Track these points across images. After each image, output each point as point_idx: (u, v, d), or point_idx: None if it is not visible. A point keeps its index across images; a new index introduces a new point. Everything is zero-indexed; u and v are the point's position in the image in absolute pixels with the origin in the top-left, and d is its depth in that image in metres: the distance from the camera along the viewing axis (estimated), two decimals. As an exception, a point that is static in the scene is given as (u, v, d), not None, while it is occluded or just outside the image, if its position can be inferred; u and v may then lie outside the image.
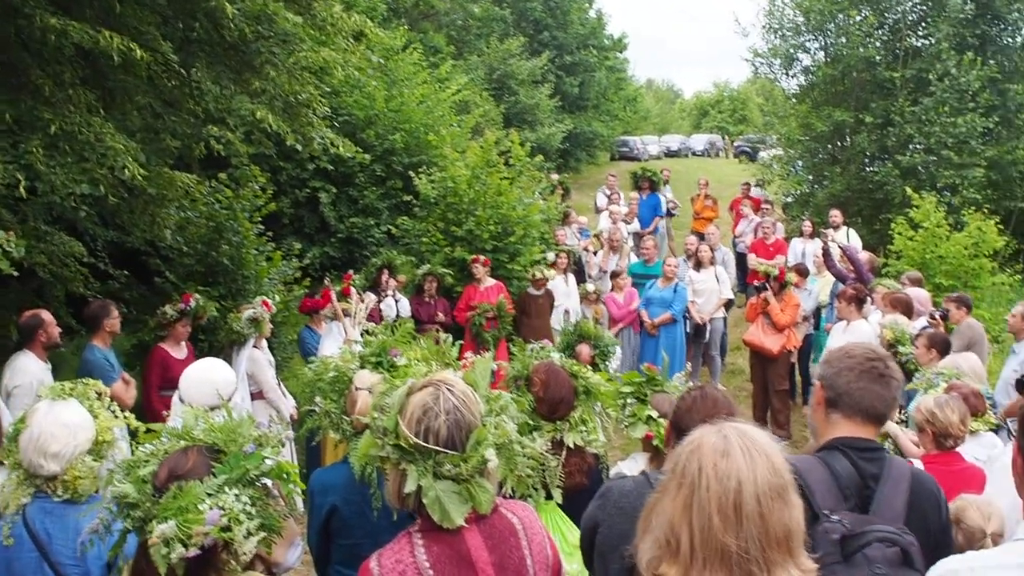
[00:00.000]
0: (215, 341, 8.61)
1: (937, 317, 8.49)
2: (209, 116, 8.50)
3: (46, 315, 6.78)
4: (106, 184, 6.94)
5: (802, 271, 11.19)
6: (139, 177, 6.64)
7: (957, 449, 4.90)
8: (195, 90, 7.75)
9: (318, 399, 3.97)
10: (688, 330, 11.72)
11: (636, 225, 16.14)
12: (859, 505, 2.75)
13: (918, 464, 4.84)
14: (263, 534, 2.56)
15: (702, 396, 3.26)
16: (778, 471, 2.00)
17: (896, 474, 2.83)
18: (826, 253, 10.66)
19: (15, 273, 5.77)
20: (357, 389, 3.75)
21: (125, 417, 3.57)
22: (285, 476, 2.68)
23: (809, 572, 1.98)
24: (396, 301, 10.58)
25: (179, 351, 7.83)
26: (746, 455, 1.99)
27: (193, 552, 2.40)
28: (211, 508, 2.45)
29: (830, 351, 3.04)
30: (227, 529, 2.47)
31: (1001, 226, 14.90)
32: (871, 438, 2.90)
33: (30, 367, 6.45)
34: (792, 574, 1.94)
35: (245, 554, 2.52)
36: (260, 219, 10.36)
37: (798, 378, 11.50)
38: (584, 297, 12.17)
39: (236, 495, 2.51)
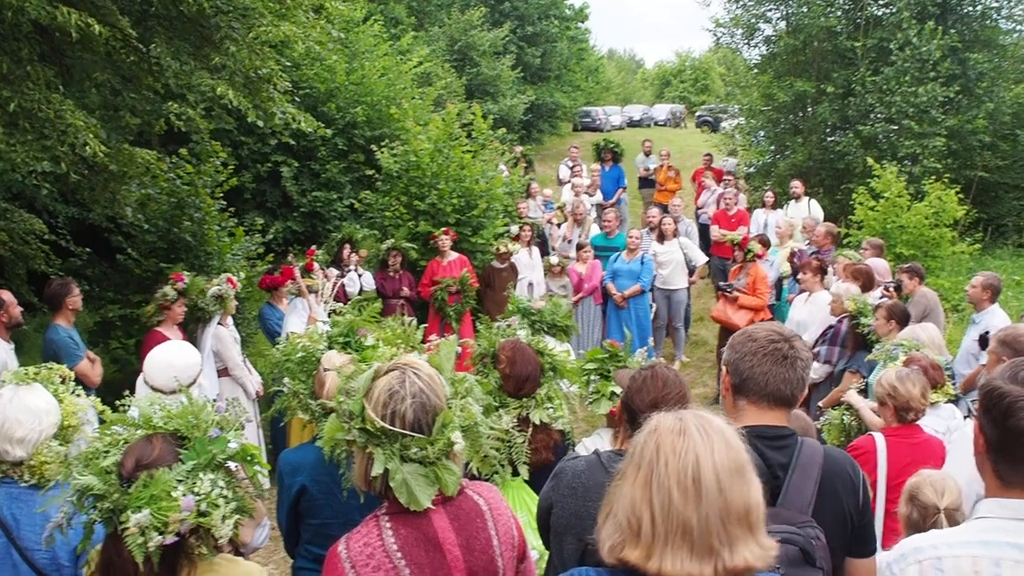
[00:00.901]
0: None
1: (891, 289, 8.62)
2: (169, 92, 8.42)
3: (6, 295, 6.71)
4: (67, 161, 6.86)
5: (764, 242, 11.28)
6: (100, 154, 6.58)
7: (918, 422, 4.99)
8: (154, 66, 7.65)
9: (286, 380, 3.98)
10: (651, 302, 11.79)
11: (599, 197, 16.16)
12: (767, 497, 2.73)
13: (879, 436, 4.94)
14: (237, 516, 2.60)
15: (652, 376, 3.25)
16: (735, 449, 2.04)
17: (805, 462, 2.79)
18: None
19: (-27, 253, 5.70)
20: (325, 370, 3.76)
21: (90, 398, 3.56)
22: (250, 458, 2.70)
23: (769, 550, 2.00)
24: (359, 276, 10.56)
25: (175, 333, 7.62)
26: (702, 434, 2.02)
27: (170, 539, 2.43)
28: (184, 494, 2.47)
29: (734, 336, 2.95)
30: (204, 514, 2.49)
31: (961, 195, 15.08)
32: (780, 424, 2.84)
33: (-6, 347, 6.40)
34: (753, 551, 1.96)
35: (222, 537, 2.55)
36: (222, 194, 10.28)
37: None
38: (548, 269, 12.21)
39: (212, 480, 2.54)
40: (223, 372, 8.02)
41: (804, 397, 8.11)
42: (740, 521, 1.96)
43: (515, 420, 4.29)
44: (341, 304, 6.49)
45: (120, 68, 7.55)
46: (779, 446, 2.80)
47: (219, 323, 8.03)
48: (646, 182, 18.64)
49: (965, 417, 5.68)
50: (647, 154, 18.98)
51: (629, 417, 3.18)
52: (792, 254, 11.34)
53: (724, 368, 2.93)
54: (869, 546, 2.88)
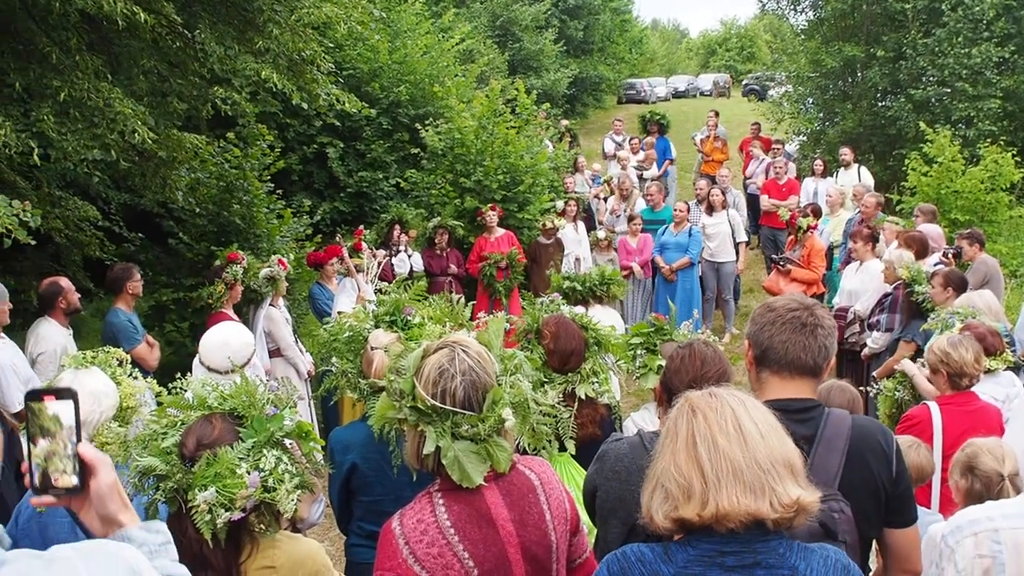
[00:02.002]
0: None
1: (950, 255, 8.46)
2: (215, 77, 8.49)
3: (64, 282, 6.84)
4: (117, 149, 6.98)
5: (816, 211, 11.12)
6: (148, 140, 6.67)
7: (972, 389, 4.91)
8: (199, 51, 7.73)
9: (334, 359, 4.01)
10: (700, 274, 11.72)
11: (654, 170, 15.98)
12: None
13: (933, 406, 4.87)
14: (299, 492, 2.65)
15: (690, 355, 3.21)
16: (768, 413, 2.10)
17: (831, 433, 2.75)
18: None
19: (32, 241, 5.82)
20: (372, 349, 3.78)
21: (147, 380, 3.63)
22: (305, 435, 2.74)
23: (816, 495, 2.02)
24: (408, 256, 10.61)
25: (233, 315, 7.69)
26: (734, 398, 2.10)
27: (238, 515, 2.49)
28: (248, 471, 2.52)
29: (755, 309, 2.93)
30: (269, 490, 2.56)
31: (1018, 158, 14.71)
32: (805, 395, 2.80)
33: (53, 334, 6.54)
34: (803, 494, 1.99)
35: (287, 511, 2.61)
36: (269, 177, 10.38)
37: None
38: (595, 243, 12.18)
39: (276, 456, 2.60)
40: (275, 353, 8.12)
41: (857, 366, 8.01)
42: (785, 466, 2.00)
43: (560, 395, 4.29)
44: (386, 283, 6.51)
45: (166, 55, 7.64)
46: (803, 419, 2.75)
47: (271, 304, 8.12)
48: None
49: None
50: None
51: (668, 397, 3.16)
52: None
53: (747, 342, 2.91)
54: (907, 515, 2.80)
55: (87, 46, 6.75)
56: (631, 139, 17.60)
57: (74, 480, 1.79)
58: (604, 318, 6.41)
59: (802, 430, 2.69)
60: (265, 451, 2.58)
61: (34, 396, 1.78)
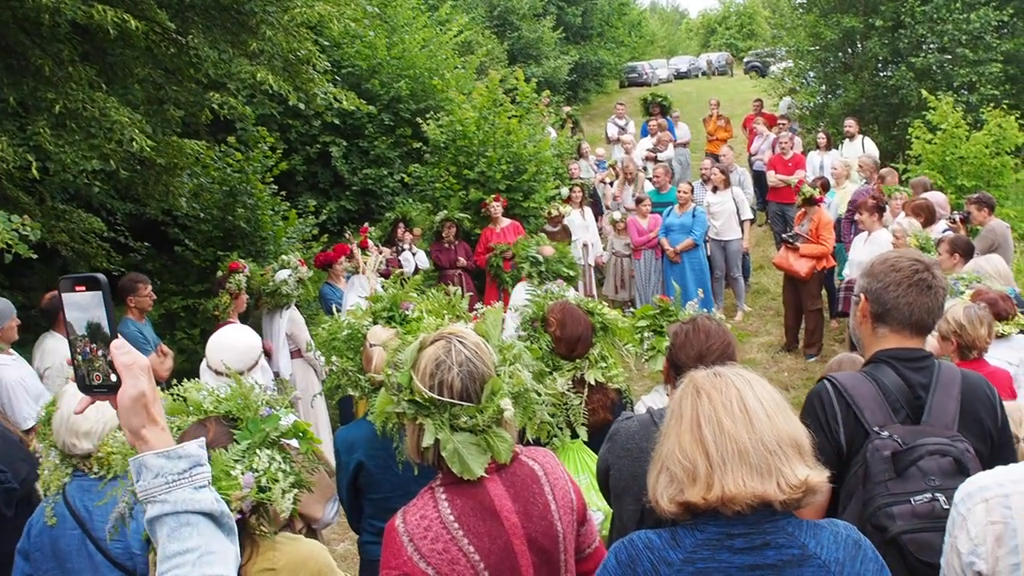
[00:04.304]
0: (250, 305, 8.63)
1: (957, 220, 8.40)
2: (211, 82, 8.48)
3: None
4: (116, 158, 6.98)
5: (824, 185, 11.05)
6: (147, 148, 6.67)
7: (984, 355, 4.88)
8: (194, 57, 7.72)
9: (335, 358, 4.00)
10: (708, 254, 11.69)
11: (670, 151, 15.89)
12: (911, 416, 2.74)
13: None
14: (296, 491, 2.64)
15: (694, 329, 3.23)
16: (774, 392, 2.08)
17: (946, 380, 2.80)
18: None
19: (34, 255, 5.81)
20: (371, 346, 3.77)
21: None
22: (302, 434, 2.73)
23: (824, 475, 2.01)
24: (413, 254, 10.58)
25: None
26: (739, 378, 2.08)
27: (235, 517, 2.47)
28: (243, 473, 2.51)
29: (874, 263, 2.95)
30: (264, 490, 2.54)
31: (1022, 121, 14.60)
32: (919, 347, 2.86)
33: (59, 348, 6.51)
34: (811, 474, 1.97)
35: (283, 512, 2.60)
36: (273, 179, 10.39)
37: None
38: (613, 226, 12.21)
39: (269, 456, 2.58)
40: (296, 354, 8.14)
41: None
42: (792, 446, 1.98)
43: (570, 382, 4.27)
44: (384, 279, 6.53)
45: (161, 62, 7.63)
46: (919, 367, 2.82)
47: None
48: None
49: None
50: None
51: (676, 373, 3.15)
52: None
53: (863, 296, 2.93)
54: (1011, 460, 2.82)
55: (80, 57, 6.75)
56: (649, 121, 17.52)
57: (112, 378, 1.77)
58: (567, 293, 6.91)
59: (919, 378, 2.80)
60: (258, 451, 2.57)
61: (68, 287, 1.78)
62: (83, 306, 1.77)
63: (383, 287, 4.41)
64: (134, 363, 1.76)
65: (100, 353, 1.78)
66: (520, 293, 8.11)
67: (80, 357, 1.80)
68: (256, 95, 9.76)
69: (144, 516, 1.74)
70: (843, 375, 2.89)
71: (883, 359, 2.84)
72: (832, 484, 2.75)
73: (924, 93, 15.21)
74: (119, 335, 1.80)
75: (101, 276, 1.77)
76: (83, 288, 1.77)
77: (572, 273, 7.96)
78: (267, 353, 7.57)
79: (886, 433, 2.63)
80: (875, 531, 2.53)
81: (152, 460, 1.73)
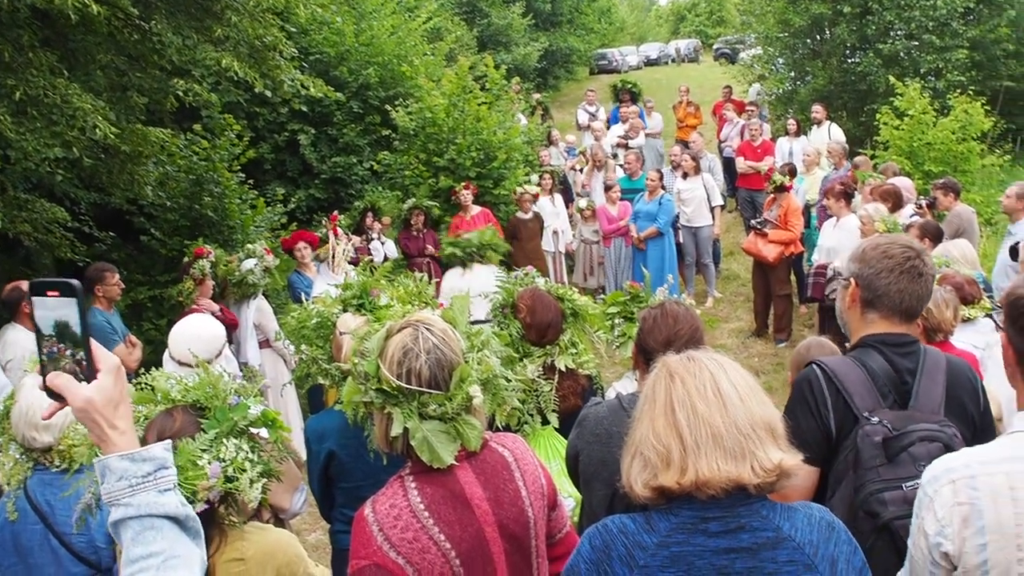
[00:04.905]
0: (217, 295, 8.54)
1: (924, 206, 8.46)
2: (175, 68, 8.36)
3: (26, 285, 6.74)
4: (79, 146, 6.86)
5: (792, 171, 11.11)
6: (111, 136, 6.55)
7: (951, 339, 4.91)
8: (157, 43, 7.60)
9: (304, 346, 3.96)
10: (679, 240, 11.71)
11: (641, 138, 15.87)
12: (898, 401, 2.76)
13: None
14: (264, 480, 2.60)
15: (662, 314, 3.23)
16: (747, 376, 2.08)
17: (931, 365, 2.82)
18: None
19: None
20: (341, 334, 3.73)
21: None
22: (271, 423, 2.70)
23: (799, 458, 2.01)
24: (382, 244, 10.51)
25: (211, 306, 7.56)
26: (712, 362, 2.08)
27: (201, 507, 2.44)
28: (210, 462, 2.47)
29: (865, 248, 2.96)
30: (231, 480, 2.50)
31: (988, 107, 14.74)
32: (906, 332, 2.88)
33: (20, 339, 6.41)
34: (784, 457, 1.97)
35: (251, 501, 2.56)
36: (240, 167, 10.28)
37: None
38: (580, 213, 12.19)
39: (236, 445, 2.55)
40: (264, 344, 8.07)
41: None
42: (766, 429, 1.98)
43: (540, 369, 4.26)
44: (353, 266, 6.50)
45: (123, 48, 7.51)
46: (906, 352, 2.84)
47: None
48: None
49: (997, 330, 5.56)
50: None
51: (645, 358, 3.14)
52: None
53: (853, 281, 2.93)
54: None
55: (41, 43, 6.61)
56: (619, 107, 17.49)
57: (80, 379, 1.75)
58: (484, 275, 7.78)
59: (905, 363, 2.82)
60: (225, 441, 2.53)
61: (40, 291, 1.74)
62: (52, 306, 1.74)
63: (354, 274, 4.37)
64: (110, 364, 1.76)
65: (68, 353, 1.74)
66: (451, 279, 8.22)
67: (46, 356, 1.76)
68: (222, 82, 9.64)
69: (108, 519, 1.71)
70: (832, 360, 2.91)
71: (871, 344, 2.86)
72: (820, 468, 2.77)
73: (892, 79, 15.32)
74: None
75: (76, 282, 1.73)
76: (56, 294, 1.73)
77: (497, 253, 8.40)
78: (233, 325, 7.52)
79: (876, 419, 2.65)
80: (867, 517, 2.56)
81: (116, 463, 1.72)
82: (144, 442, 2.51)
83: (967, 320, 5.27)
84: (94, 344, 1.76)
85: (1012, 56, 18.21)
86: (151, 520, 1.71)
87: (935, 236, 6.99)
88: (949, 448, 2.54)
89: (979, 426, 2.86)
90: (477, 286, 7.62)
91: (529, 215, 11.46)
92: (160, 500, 1.73)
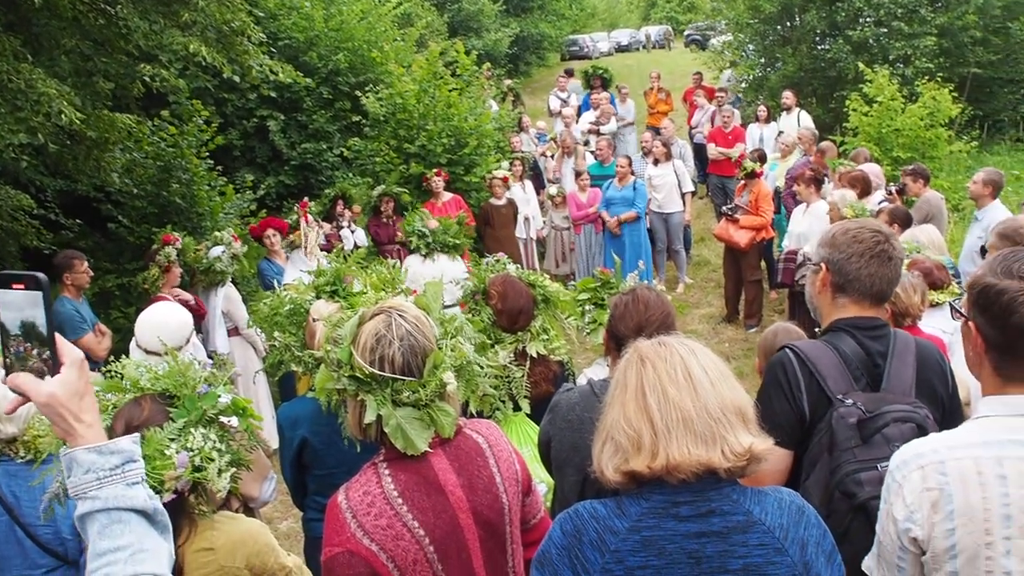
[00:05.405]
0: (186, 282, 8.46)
1: (893, 192, 8.52)
2: (142, 54, 8.27)
3: None
4: (44, 132, 6.78)
5: (762, 157, 11.14)
6: (77, 122, 6.49)
7: (919, 324, 4.95)
8: (123, 28, 7.51)
9: (276, 334, 3.93)
10: (650, 226, 11.72)
11: (613, 124, 15.85)
12: (870, 384, 2.79)
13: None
14: (233, 470, 2.58)
15: (633, 300, 3.23)
16: (718, 360, 2.09)
17: (901, 348, 2.85)
18: None
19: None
20: (314, 320, 3.71)
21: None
22: (242, 411, 2.67)
23: (770, 442, 2.02)
24: (352, 232, 10.44)
25: (184, 296, 7.47)
26: (683, 346, 2.08)
27: (168, 497, 2.42)
28: (178, 452, 2.45)
29: (834, 233, 2.98)
30: (199, 469, 2.48)
31: (955, 94, 14.86)
32: (876, 316, 2.91)
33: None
34: (755, 441, 1.98)
35: (220, 491, 2.54)
36: (209, 154, 10.19)
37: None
38: (550, 199, 12.18)
39: (203, 435, 2.53)
40: (233, 332, 8.02)
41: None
42: (737, 414, 1.99)
43: (512, 355, 4.25)
44: (326, 253, 6.46)
45: (89, 32, 7.43)
46: (877, 335, 2.87)
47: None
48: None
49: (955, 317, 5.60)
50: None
51: (616, 345, 3.15)
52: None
53: (823, 266, 2.95)
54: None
55: (4, 27, 6.54)
56: (591, 93, 17.48)
57: (46, 378, 1.72)
58: (445, 262, 7.98)
59: (877, 346, 2.85)
60: (192, 430, 2.50)
61: (4, 283, 1.71)
62: (18, 305, 1.71)
63: (326, 260, 4.35)
64: (73, 357, 1.73)
65: (35, 352, 1.72)
66: (413, 263, 8.36)
67: (13, 356, 1.73)
68: (189, 67, 9.56)
69: (75, 513, 1.69)
70: (805, 344, 2.92)
71: (842, 328, 2.89)
72: (793, 452, 2.79)
73: (861, 66, 15.39)
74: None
75: (42, 276, 1.71)
76: (21, 286, 1.70)
77: (457, 242, 8.49)
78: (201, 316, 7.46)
79: (850, 401, 2.68)
80: (843, 498, 2.58)
81: (83, 455, 1.69)
82: (111, 431, 2.49)
83: (935, 305, 5.31)
84: (58, 338, 1.73)
85: (979, 43, 18.35)
86: (119, 513, 1.69)
87: (904, 222, 7.04)
88: (922, 428, 2.58)
89: (948, 408, 2.89)
90: (437, 273, 7.83)
91: (502, 201, 11.42)
92: (128, 493, 1.71)
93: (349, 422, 2.46)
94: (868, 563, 2.36)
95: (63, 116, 6.35)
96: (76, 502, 1.69)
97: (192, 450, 2.47)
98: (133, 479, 1.73)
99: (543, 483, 3.75)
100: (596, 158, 12.94)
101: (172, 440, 2.46)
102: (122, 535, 1.69)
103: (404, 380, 2.33)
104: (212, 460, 2.50)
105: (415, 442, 2.33)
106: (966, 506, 2.08)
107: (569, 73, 19.81)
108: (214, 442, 2.53)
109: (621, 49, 48.34)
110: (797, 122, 13.52)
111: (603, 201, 11.45)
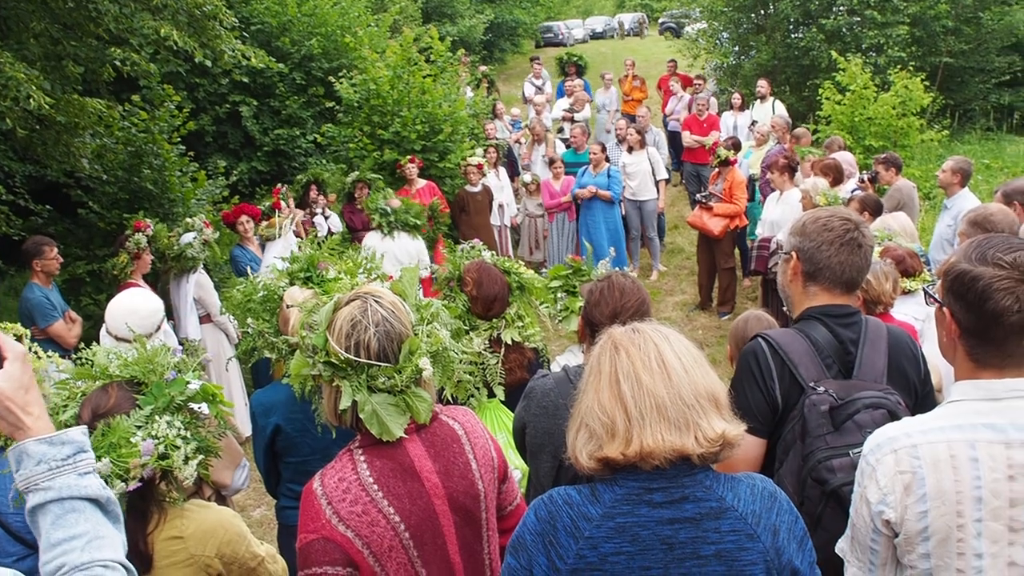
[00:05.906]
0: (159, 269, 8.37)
1: (866, 180, 8.57)
2: (112, 37, 8.17)
3: None
4: (12, 116, 6.70)
5: (736, 145, 11.18)
6: (46, 106, 6.42)
7: (891, 311, 4.99)
8: (93, 11, 7.41)
9: (250, 320, 3.90)
10: (624, 214, 11.73)
11: (587, 112, 15.84)
12: (842, 371, 2.81)
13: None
14: (200, 457, 2.57)
15: (608, 287, 3.23)
16: (691, 347, 2.10)
17: (873, 335, 2.87)
18: None
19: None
20: (288, 307, 3.69)
21: (49, 357, 3.46)
22: (212, 398, 2.66)
23: (742, 429, 2.03)
24: (326, 218, 10.38)
25: (144, 283, 7.41)
26: (657, 333, 2.09)
27: (134, 485, 2.40)
28: (143, 439, 2.43)
29: (805, 221, 2.99)
30: (164, 457, 2.47)
31: (927, 83, 14.98)
32: (847, 303, 2.93)
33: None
34: (728, 427, 1.99)
35: (187, 479, 2.53)
36: (180, 139, 10.09)
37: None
38: (525, 187, 12.15)
39: (168, 422, 2.51)
40: (205, 319, 7.96)
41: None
42: (710, 400, 2.00)
43: (487, 342, 4.25)
44: (300, 239, 6.42)
45: (58, 16, 7.33)
46: (848, 323, 2.89)
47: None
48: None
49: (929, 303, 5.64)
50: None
51: (591, 332, 3.15)
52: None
53: (794, 254, 2.97)
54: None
55: (-29, 10, 6.44)
56: (564, 81, 17.46)
57: None
58: (405, 240, 8.44)
59: (848, 333, 2.87)
60: (158, 417, 2.48)
61: None
62: None
63: (299, 247, 4.32)
64: (16, 352, 1.72)
65: None
66: (371, 240, 8.56)
67: None
68: (160, 52, 9.45)
69: (26, 506, 1.68)
70: (776, 332, 2.94)
71: (814, 316, 2.90)
72: (766, 440, 2.81)
73: (834, 54, 15.49)
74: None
75: None
76: None
77: (418, 223, 8.72)
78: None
79: (822, 388, 2.69)
80: (815, 484, 2.60)
81: (33, 447, 1.70)
82: (79, 419, 2.48)
83: (907, 292, 5.36)
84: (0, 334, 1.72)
85: (951, 33, 18.48)
86: (72, 503, 1.69)
87: (875, 209, 7.09)
88: (894, 414, 2.60)
89: (920, 394, 2.92)
90: (397, 250, 8.52)
91: (478, 188, 11.39)
92: (81, 482, 1.71)
93: (324, 408, 2.44)
94: (841, 546, 2.39)
95: (32, 101, 6.27)
96: (27, 495, 1.68)
97: (158, 438, 2.45)
98: (85, 469, 1.73)
99: (518, 469, 3.76)
100: (571, 145, 12.93)
101: (138, 428, 2.44)
102: (77, 524, 1.69)
103: (380, 366, 2.32)
104: (177, 447, 2.47)
105: (391, 428, 2.32)
106: (938, 489, 2.11)
107: (535, 60, 19.73)
108: (179, 429, 2.51)
109: (596, 36, 48.28)
110: (772, 110, 13.56)
111: (576, 187, 11.44)
